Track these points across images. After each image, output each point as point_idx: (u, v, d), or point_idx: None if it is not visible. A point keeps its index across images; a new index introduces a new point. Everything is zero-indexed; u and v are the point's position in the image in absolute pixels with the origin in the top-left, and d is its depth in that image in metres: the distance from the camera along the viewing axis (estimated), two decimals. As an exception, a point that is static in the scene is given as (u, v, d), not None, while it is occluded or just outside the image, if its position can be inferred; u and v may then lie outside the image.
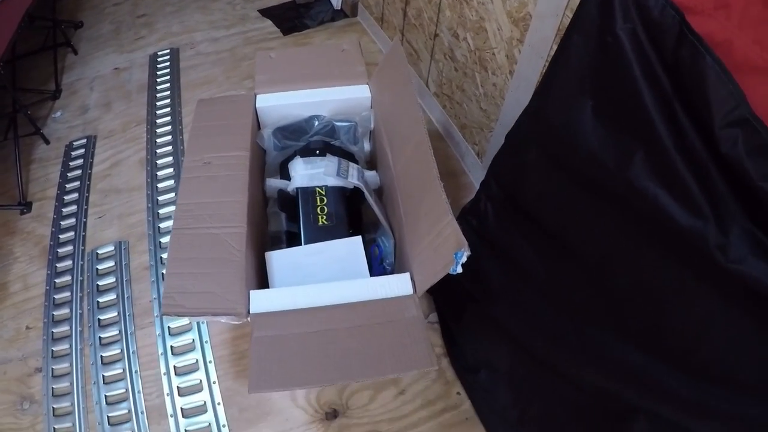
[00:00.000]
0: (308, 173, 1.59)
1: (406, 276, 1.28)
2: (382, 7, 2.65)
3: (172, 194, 2.23)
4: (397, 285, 1.27)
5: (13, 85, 2.63)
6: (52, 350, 1.86)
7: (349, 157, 1.73)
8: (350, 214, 1.59)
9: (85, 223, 2.23)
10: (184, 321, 1.86)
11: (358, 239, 1.46)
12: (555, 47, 1.36)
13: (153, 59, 3.00)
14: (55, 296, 2.00)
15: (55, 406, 1.73)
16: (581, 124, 1.01)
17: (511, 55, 1.70)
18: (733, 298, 0.86)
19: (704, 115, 0.81)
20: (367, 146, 1.84)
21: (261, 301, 1.26)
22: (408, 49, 2.47)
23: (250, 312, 1.24)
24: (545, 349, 1.33)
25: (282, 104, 1.75)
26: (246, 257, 1.31)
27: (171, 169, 2.33)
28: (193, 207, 1.41)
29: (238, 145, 1.56)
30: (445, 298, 1.77)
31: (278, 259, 1.44)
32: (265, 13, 3.23)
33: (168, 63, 2.95)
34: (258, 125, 1.77)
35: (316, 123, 1.77)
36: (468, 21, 1.88)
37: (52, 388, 1.77)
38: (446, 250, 1.13)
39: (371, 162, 1.88)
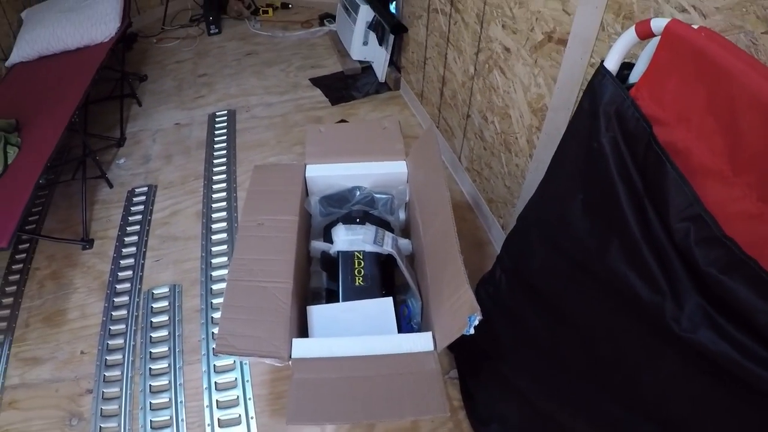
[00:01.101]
0: (348, 239, 1.84)
1: (428, 334, 1.51)
2: (422, 85, 2.96)
3: (225, 246, 2.50)
4: (420, 342, 1.50)
5: (85, 130, 2.96)
6: (105, 375, 2.10)
7: (386, 225, 1.98)
8: (384, 276, 1.83)
9: (143, 264, 2.50)
10: (229, 360, 2.09)
11: (389, 300, 1.70)
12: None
13: (212, 118, 3.35)
14: (111, 327, 2.26)
15: (102, 425, 1.96)
16: (573, 214, 1.24)
17: (531, 141, 1.96)
18: (690, 362, 1.04)
19: (664, 211, 1.02)
20: (402, 216, 2.09)
21: (301, 348, 1.49)
22: (444, 126, 2.76)
23: (292, 357, 1.47)
24: (546, 402, 1.52)
25: (328, 175, 2.02)
26: (291, 309, 1.55)
27: (224, 223, 2.62)
28: (247, 262, 1.67)
29: (288, 210, 1.83)
30: (465, 356, 1.98)
31: (318, 313, 1.69)
32: (316, 82, 3.57)
33: (225, 124, 3.29)
34: (306, 192, 2.04)
35: (358, 193, 2.04)
36: (495, 106, 2.16)
37: (101, 408, 2.01)
38: (462, 313, 1.37)
39: (406, 230, 2.12)
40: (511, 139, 2.09)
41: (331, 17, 4.40)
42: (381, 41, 3.32)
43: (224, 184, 2.83)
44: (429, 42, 2.72)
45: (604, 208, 1.15)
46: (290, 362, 1.46)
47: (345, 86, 3.51)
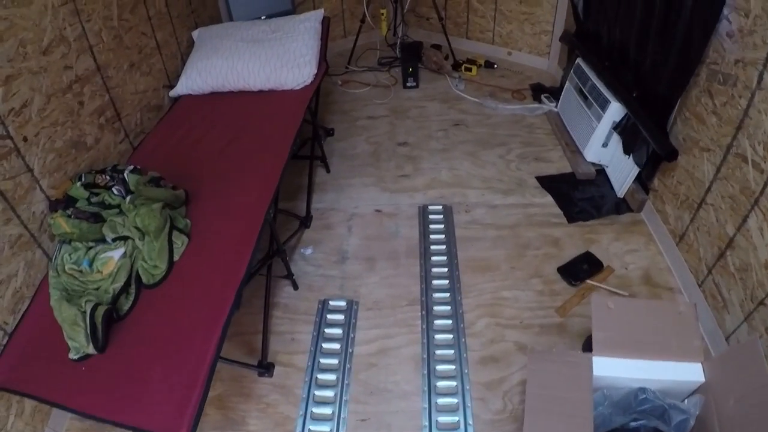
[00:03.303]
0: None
1: None
2: (685, 227, 2.75)
3: (456, 417, 2.23)
4: None
5: (275, 216, 2.64)
6: None
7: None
8: None
9: (344, 419, 2.24)
10: None
11: None
12: None
13: (422, 213, 3.16)
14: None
15: None
16: None
17: None
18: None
19: None
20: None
21: None
22: (712, 290, 2.53)
23: None
24: None
25: (616, 376, 1.87)
26: None
27: (453, 382, 2.34)
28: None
29: (581, 432, 1.69)
30: None
31: None
32: (544, 183, 3.42)
33: (442, 227, 3.06)
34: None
35: (642, 397, 1.85)
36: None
37: None
38: None
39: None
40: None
41: (548, 91, 4.28)
42: (629, 150, 3.12)
43: (449, 322, 2.58)
44: (716, 187, 2.50)
45: None
46: None
47: (579, 195, 3.33)
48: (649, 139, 2.84)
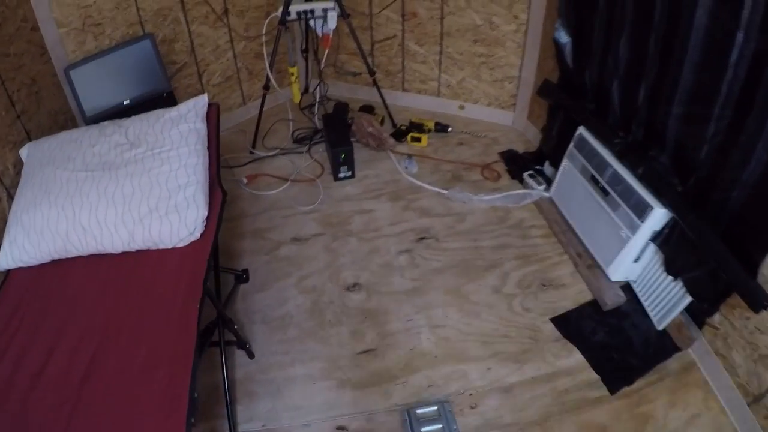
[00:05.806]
0: None
1: None
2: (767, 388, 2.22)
3: None
4: None
5: None
6: None
7: None
8: None
9: None
10: None
11: None
12: None
13: (411, 425, 2.25)
14: None
15: None
16: None
17: None
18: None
19: None
20: None
21: None
22: None
23: None
24: None
25: None
26: None
27: None
28: None
29: None
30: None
31: None
32: (564, 328, 2.73)
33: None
34: None
35: None
36: None
37: None
38: None
39: None
40: None
41: (525, 161, 3.68)
42: (675, 272, 2.51)
43: None
44: None
45: None
46: None
47: (610, 339, 2.68)
48: (726, 275, 2.24)
